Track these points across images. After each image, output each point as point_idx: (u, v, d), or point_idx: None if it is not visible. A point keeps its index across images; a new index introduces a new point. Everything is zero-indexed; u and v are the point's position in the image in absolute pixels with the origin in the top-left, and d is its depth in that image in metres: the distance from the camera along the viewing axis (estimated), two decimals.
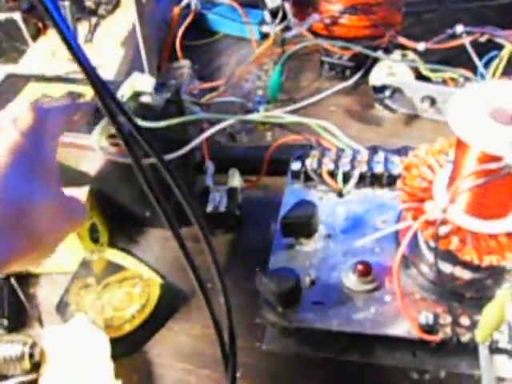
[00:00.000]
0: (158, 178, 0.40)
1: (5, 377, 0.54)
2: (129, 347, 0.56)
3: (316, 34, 0.83)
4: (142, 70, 0.67)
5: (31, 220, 0.36)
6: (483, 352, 0.46)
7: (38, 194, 0.37)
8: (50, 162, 0.41)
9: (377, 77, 0.74)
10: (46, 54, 0.72)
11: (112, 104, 0.34)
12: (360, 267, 0.50)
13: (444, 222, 0.45)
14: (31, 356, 0.54)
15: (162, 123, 0.56)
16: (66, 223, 0.41)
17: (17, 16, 0.73)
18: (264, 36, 0.87)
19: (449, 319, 0.47)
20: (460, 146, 0.44)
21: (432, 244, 0.49)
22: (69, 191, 0.61)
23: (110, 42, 0.72)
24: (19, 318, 0.60)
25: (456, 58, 0.73)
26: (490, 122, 0.41)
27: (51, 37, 0.75)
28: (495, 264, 0.43)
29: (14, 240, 0.35)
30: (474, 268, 0.48)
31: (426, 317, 0.47)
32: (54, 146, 0.42)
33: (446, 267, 0.49)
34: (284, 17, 0.85)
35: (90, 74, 0.34)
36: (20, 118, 0.39)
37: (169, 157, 0.56)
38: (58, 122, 0.44)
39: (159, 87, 0.60)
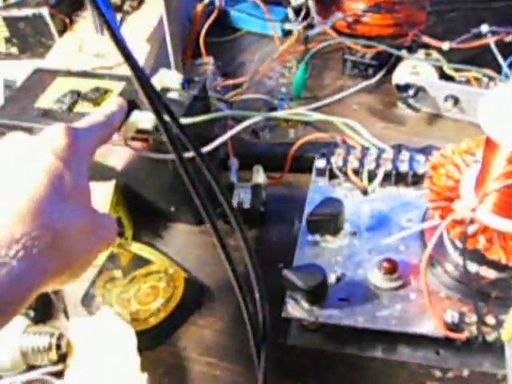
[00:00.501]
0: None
1: (32, 367, 0.55)
2: (154, 340, 0.56)
3: (339, 32, 0.83)
4: (167, 66, 0.67)
5: (67, 242, 0.37)
6: (509, 351, 0.46)
7: (73, 216, 0.38)
8: (84, 185, 0.41)
9: (400, 75, 0.74)
10: (72, 49, 0.73)
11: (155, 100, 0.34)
12: (386, 264, 0.50)
13: (471, 221, 0.46)
14: (58, 347, 0.54)
15: (190, 120, 0.56)
16: (99, 241, 0.41)
17: (44, 11, 0.74)
18: (287, 33, 0.87)
19: (474, 318, 0.47)
20: (489, 145, 0.44)
21: (458, 243, 0.49)
22: (95, 185, 0.62)
23: (135, 38, 0.72)
24: (45, 310, 0.60)
25: (480, 58, 0.73)
26: None
27: (78, 32, 0.76)
28: None
29: (50, 263, 0.35)
30: (500, 268, 0.48)
31: (451, 315, 0.47)
32: (87, 167, 0.42)
33: (472, 266, 0.49)
34: (307, 14, 0.85)
35: (138, 71, 0.34)
36: (55, 141, 0.40)
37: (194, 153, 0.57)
38: (93, 143, 0.44)
39: (186, 83, 0.61)
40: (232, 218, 0.38)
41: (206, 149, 0.57)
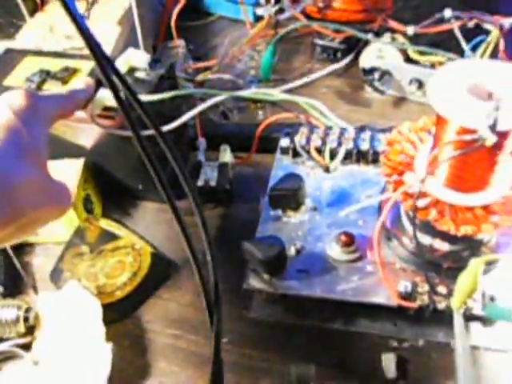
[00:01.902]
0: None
1: (0, 339, 0.56)
2: (120, 313, 0.58)
3: (310, 18, 0.84)
4: (137, 48, 0.68)
5: (16, 194, 0.37)
6: (457, 318, 0.48)
7: (25, 173, 0.38)
8: (41, 147, 0.41)
9: (367, 59, 0.76)
10: (43, 29, 0.73)
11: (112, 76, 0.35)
12: (343, 238, 0.52)
13: (424, 195, 0.47)
14: (26, 320, 0.56)
15: (155, 96, 0.58)
16: (49, 205, 0.42)
17: None
18: (258, 18, 0.89)
19: (426, 288, 0.49)
20: (439, 121, 0.46)
21: (412, 216, 0.51)
22: (64, 163, 0.63)
23: (106, 20, 0.73)
24: (14, 285, 0.62)
25: (444, 43, 0.75)
26: (468, 98, 0.43)
27: (49, 13, 0.76)
28: (471, 234, 0.46)
29: None
30: (452, 240, 0.50)
31: (404, 285, 0.49)
32: (45, 133, 0.43)
33: (426, 239, 0.51)
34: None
35: (93, 45, 0.36)
36: (14, 100, 0.41)
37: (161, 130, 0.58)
38: (52, 111, 0.45)
39: (154, 63, 0.62)
40: (188, 191, 0.39)
41: (170, 126, 0.58)
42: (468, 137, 0.42)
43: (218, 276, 0.40)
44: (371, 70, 0.75)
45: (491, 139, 0.41)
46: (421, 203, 0.47)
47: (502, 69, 0.45)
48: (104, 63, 0.35)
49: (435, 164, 0.45)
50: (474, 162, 0.45)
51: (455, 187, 0.47)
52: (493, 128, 0.40)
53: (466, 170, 0.46)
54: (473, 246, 0.51)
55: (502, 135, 0.42)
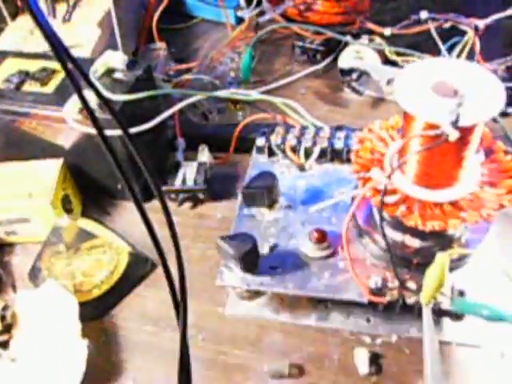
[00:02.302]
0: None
1: None
2: (97, 311, 0.58)
3: (291, 20, 0.85)
4: (116, 50, 0.69)
5: None
6: (426, 313, 0.48)
7: None
8: None
9: (345, 60, 0.77)
10: (24, 32, 0.74)
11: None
12: (315, 234, 0.53)
13: (393, 192, 0.48)
14: (3, 318, 0.56)
15: (131, 96, 0.58)
16: None
17: None
18: (240, 21, 0.89)
19: (396, 283, 0.50)
20: (406, 118, 0.46)
21: (385, 214, 0.52)
22: (43, 163, 0.64)
23: (87, 23, 0.74)
24: None
25: (421, 44, 0.76)
26: (432, 95, 0.44)
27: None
28: (438, 229, 0.46)
29: None
30: (423, 236, 0.51)
31: (375, 281, 0.50)
32: None
33: (397, 236, 0.52)
34: (259, 2, 0.87)
35: (55, 44, 0.36)
36: None
37: (137, 129, 0.59)
38: None
39: (131, 65, 0.63)
40: (154, 190, 0.39)
41: (148, 125, 0.59)
42: (432, 132, 0.43)
43: (184, 270, 0.40)
44: (349, 71, 0.76)
45: (454, 134, 0.41)
46: (390, 200, 0.48)
47: (467, 67, 0.46)
48: (69, 63, 0.35)
49: (402, 159, 0.46)
50: (440, 158, 0.46)
51: (424, 184, 0.48)
52: (455, 123, 0.41)
53: (433, 167, 0.47)
54: (443, 242, 0.52)
55: (466, 131, 0.43)
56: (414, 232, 0.50)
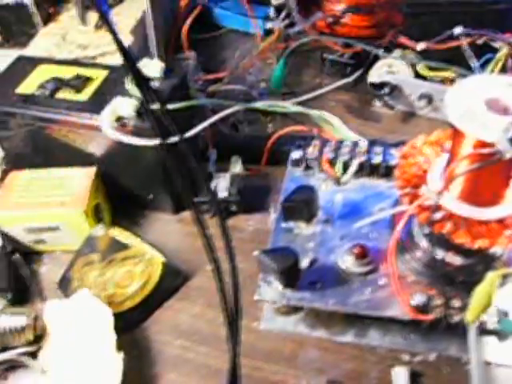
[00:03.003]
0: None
1: (7, 347, 0.55)
2: (129, 323, 0.57)
3: (319, 33, 0.85)
4: (150, 58, 0.68)
5: None
6: (472, 332, 0.48)
7: None
8: None
9: (376, 74, 0.77)
10: (55, 38, 0.73)
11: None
12: (357, 250, 0.52)
13: (438, 208, 0.47)
14: (34, 328, 0.55)
15: (169, 106, 0.57)
16: None
17: (28, 0, 0.74)
18: (268, 32, 0.89)
19: (440, 301, 0.49)
20: (456, 135, 0.46)
21: (426, 229, 0.51)
22: (76, 171, 0.63)
23: (119, 30, 0.73)
24: (22, 293, 0.61)
25: (453, 60, 0.75)
26: (485, 112, 0.43)
27: (62, 22, 0.77)
28: (486, 247, 0.46)
29: None
30: (466, 254, 0.50)
31: (418, 298, 0.49)
32: None
33: (439, 253, 0.51)
34: (289, 13, 0.87)
35: (127, 56, 0.35)
36: None
37: (172, 140, 0.58)
38: None
39: (167, 73, 0.62)
40: (212, 200, 0.38)
41: (189, 134, 0.58)
42: (486, 150, 0.42)
43: (238, 287, 0.39)
44: (381, 85, 0.75)
45: (510, 152, 0.41)
46: (436, 216, 0.47)
47: None
48: (135, 71, 0.34)
49: (453, 177, 0.45)
50: (489, 175, 0.45)
51: (470, 201, 0.47)
52: (511, 141, 0.41)
53: (481, 184, 0.46)
54: (486, 259, 0.51)
55: None
56: (458, 249, 0.50)
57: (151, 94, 0.39)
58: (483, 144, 0.43)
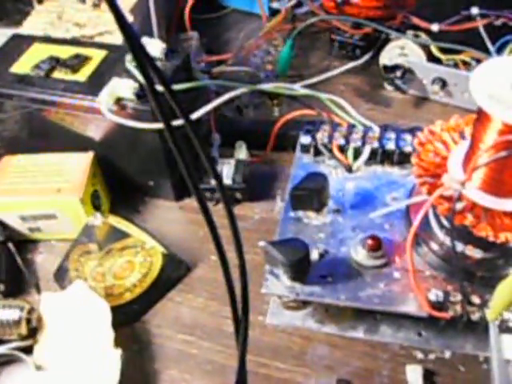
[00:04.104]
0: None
1: (0, 341, 0.52)
2: (129, 316, 0.54)
3: (327, 13, 0.81)
4: (151, 37, 0.65)
5: None
6: (493, 330, 0.45)
7: None
8: None
9: (388, 56, 0.73)
10: (51, 16, 0.70)
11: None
12: (370, 241, 0.49)
13: (459, 199, 0.44)
14: (28, 321, 0.52)
15: (182, 86, 0.55)
16: None
17: None
18: (274, 12, 0.85)
19: (459, 297, 0.46)
20: (481, 118, 0.43)
21: (444, 221, 0.48)
22: (72, 156, 0.60)
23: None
24: (16, 284, 0.58)
25: (469, 42, 0.72)
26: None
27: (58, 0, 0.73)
28: (510, 241, 0.43)
29: None
30: (486, 247, 0.47)
31: (436, 294, 0.47)
32: None
33: (457, 246, 0.48)
34: None
35: (129, 31, 0.32)
36: None
37: (174, 123, 0.55)
38: None
39: (169, 54, 0.59)
40: (218, 187, 0.35)
41: (193, 116, 0.55)
42: None
43: (247, 281, 0.36)
44: (393, 68, 0.72)
45: None
46: (456, 207, 0.44)
47: None
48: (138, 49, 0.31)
49: (478, 166, 0.42)
50: None
51: (493, 191, 0.44)
52: None
53: (505, 173, 0.43)
54: (507, 253, 0.48)
55: None
56: (478, 242, 0.47)
57: (156, 74, 0.36)
58: (510, 129, 0.40)
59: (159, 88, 0.34)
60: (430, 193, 0.45)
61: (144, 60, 0.31)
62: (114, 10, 0.29)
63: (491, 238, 0.43)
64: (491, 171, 0.43)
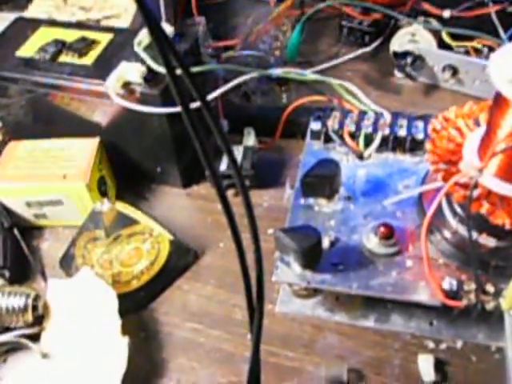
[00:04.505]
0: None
1: (7, 329, 0.52)
2: (136, 304, 0.54)
3: None
4: (159, 21, 0.64)
5: None
6: (508, 320, 0.44)
7: None
8: None
9: (398, 43, 0.72)
10: (56, 0, 0.69)
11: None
12: (382, 229, 0.48)
13: (475, 186, 0.44)
14: (34, 308, 0.51)
15: (179, 71, 0.53)
16: None
17: None
18: None
19: (473, 286, 0.46)
20: (499, 104, 0.42)
21: (458, 209, 0.47)
22: (78, 142, 0.59)
23: None
24: (21, 270, 0.58)
25: (480, 28, 0.70)
26: None
27: None
28: None
29: None
30: (500, 235, 0.46)
31: (449, 283, 0.46)
32: None
33: (472, 234, 0.47)
34: None
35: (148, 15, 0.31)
36: None
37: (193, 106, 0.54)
38: None
39: (177, 37, 0.58)
40: (235, 173, 0.34)
41: (194, 105, 0.54)
42: None
43: (262, 271, 0.35)
44: (403, 55, 0.71)
45: None
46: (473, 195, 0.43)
47: None
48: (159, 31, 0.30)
49: (496, 153, 0.41)
50: None
51: (508, 178, 0.43)
52: None
53: None
54: None
55: None
56: (492, 231, 0.46)
57: (174, 57, 0.35)
58: None
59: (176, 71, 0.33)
60: (445, 180, 0.44)
61: (163, 42, 0.30)
62: None
63: (508, 226, 0.42)
64: (508, 158, 0.42)
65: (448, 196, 0.47)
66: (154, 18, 0.30)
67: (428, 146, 0.47)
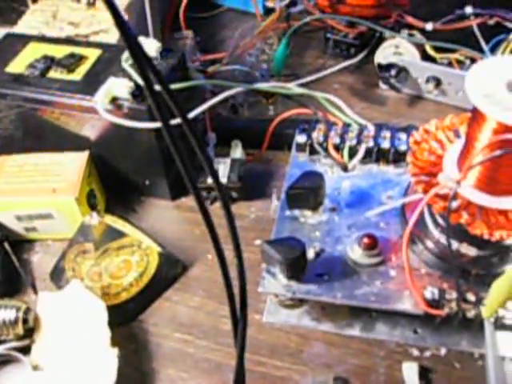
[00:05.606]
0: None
1: None
2: (125, 316, 0.55)
3: (321, 12, 0.82)
4: (147, 37, 0.65)
5: None
6: (489, 327, 0.45)
7: None
8: None
9: (383, 55, 0.74)
10: (46, 15, 0.70)
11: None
12: (366, 240, 0.49)
13: (454, 197, 0.45)
14: (25, 321, 0.52)
15: (179, 85, 0.55)
16: None
17: None
18: (269, 11, 0.85)
19: (454, 295, 0.47)
20: (476, 118, 0.43)
21: (439, 219, 0.49)
22: (68, 156, 0.60)
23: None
24: (12, 283, 0.58)
25: (463, 41, 0.72)
26: (506, 95, 0.40)
27: None
28: (505, 239, 0.43)
29: None
30: (480, 245, 0.47)
31: (431, 292, 0.47)
32: None
33: (453, 244, 0.48)
34: None
35: (126, 30, 0.32)
36: None
37: (171, 122, 0.55)
38: None
39: (165, 53, 0.59)
40: (216, 186, 0.35)
41: (190, 115, 0.55)
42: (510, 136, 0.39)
43: (245, 281, 0.36)
44: (387, 67, 0.72)
45: None
46: (452, 206, 0.44)
47: None
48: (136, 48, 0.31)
49: (473, 165, 0.42)
50: (509, 162, 0.42)
51: (487, 189, 0.44)
52: None
53: (500, 172, 0.43)
54: (501, 251, 0.48)
55: None
56: (473, 240, 0.47)
57: (153, 74, 0.36)
58: (505, 128, 0.40)
59: (157, 87, 0.34)
60: (425, 191, 0.45)
61: (142, 59, 0.31)
62: (111, 8, 0.29)
63: (486, 236, 0.43)
64: (486, 170, 0.44)
65: (430, 207, 0.48)
66: (133, 37, 0.31)
67: (409, 158, 0.49)
